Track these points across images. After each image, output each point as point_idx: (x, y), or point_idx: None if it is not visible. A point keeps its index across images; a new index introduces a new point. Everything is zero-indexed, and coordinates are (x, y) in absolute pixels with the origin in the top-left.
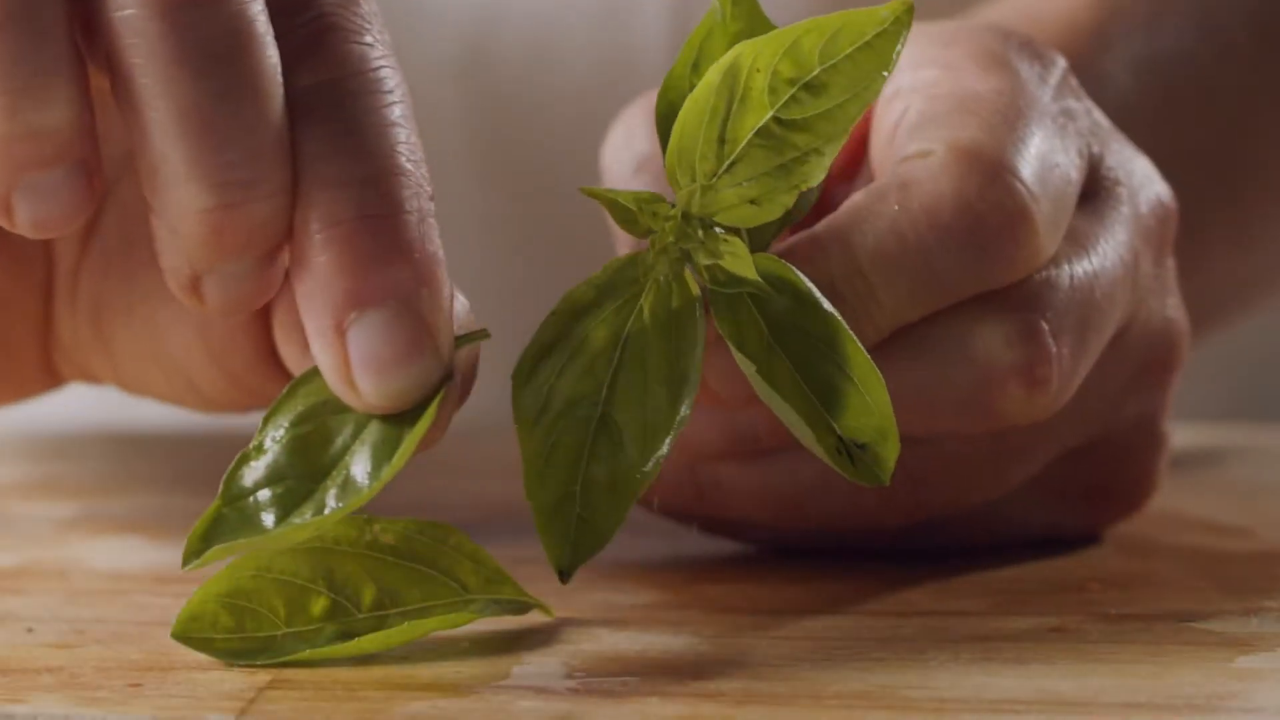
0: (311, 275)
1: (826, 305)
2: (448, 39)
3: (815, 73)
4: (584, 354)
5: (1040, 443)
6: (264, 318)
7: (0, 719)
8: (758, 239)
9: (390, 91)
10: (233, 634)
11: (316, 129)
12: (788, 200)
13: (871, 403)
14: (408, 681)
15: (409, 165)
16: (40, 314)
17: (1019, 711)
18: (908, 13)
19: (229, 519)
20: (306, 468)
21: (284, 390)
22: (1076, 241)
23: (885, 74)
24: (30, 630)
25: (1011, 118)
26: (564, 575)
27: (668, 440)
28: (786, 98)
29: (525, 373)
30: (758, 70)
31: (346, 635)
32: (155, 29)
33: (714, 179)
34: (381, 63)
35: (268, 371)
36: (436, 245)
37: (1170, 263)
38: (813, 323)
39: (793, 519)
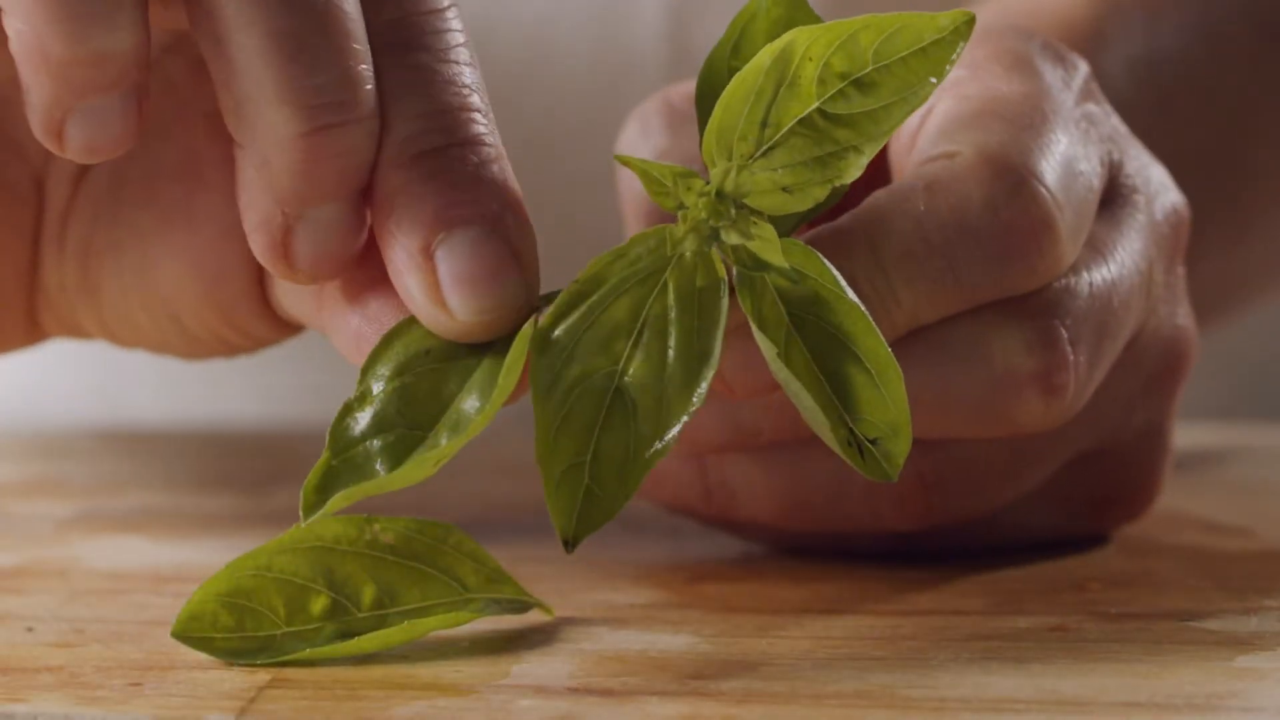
0: (398, 203)
1: (851, 296)
2: None
3: (867, 70)
4: (604, 325)
5: (1053, 448)
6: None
7: (0, 719)
8: (779, 228)
9: (460, 31)
10: (233, 633)
11: (398, 62)
12: (820, 194)
13: (888, 398)
14: (408, 681)
15: (482, 104)
16: (28, 261)
17: (1019, 711)
18: (967, 25)
19: (340, 470)
20: (415, 417)
21: (379, 341)
22: (1095, 249)
23: (934, 81)
24: (30, 630)
25: (1038, 122)
26: (569, 545)
27: (683, 418)
28: (834, 91)
29: (544, 338)
30: (810, 59)
31: (346, 635)
32: None
33: (751, 160)
34: (450, 0)
35: (255, 307)
36: (515, 181)
37: (1181, 271)
38: (835, 314)
39: (803, 521)
